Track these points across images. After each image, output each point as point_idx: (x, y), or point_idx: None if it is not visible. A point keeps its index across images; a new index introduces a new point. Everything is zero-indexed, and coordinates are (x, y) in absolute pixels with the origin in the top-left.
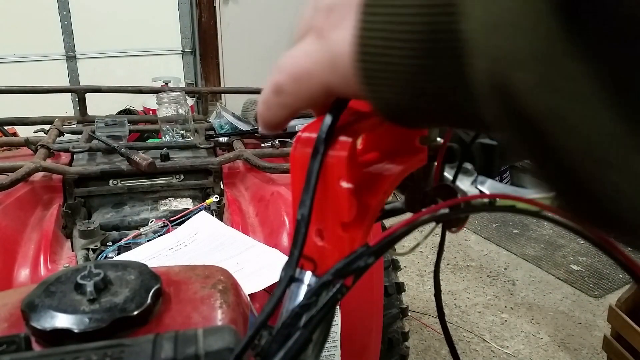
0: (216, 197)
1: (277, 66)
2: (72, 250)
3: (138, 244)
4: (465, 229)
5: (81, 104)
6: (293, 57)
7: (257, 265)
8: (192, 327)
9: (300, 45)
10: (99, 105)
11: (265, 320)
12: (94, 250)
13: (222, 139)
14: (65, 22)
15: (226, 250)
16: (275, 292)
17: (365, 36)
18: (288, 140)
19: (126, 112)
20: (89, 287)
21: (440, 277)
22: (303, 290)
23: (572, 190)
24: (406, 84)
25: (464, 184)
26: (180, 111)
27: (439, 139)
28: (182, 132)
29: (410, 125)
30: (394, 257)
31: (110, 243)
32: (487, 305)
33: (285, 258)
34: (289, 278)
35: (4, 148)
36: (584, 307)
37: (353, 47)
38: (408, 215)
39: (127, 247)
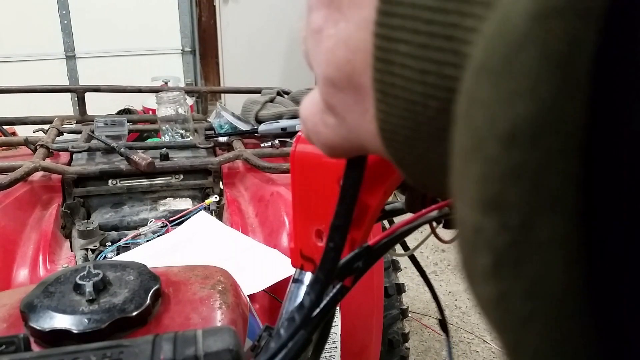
0: (216, 197)
1: (301, 110)
2: (71, 251)
3: (137, 245)
4: None
5: (80, 103)
6: (315, 127)
7: (256, 265)
8: (192, 327)
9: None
10: (99, 105)
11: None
12: (93, 251)
13: (221, 139)
14: (65, 22)
15: (226, 251)
16: None
17: (385, 126)
18: (288, 140)
19: (125, 111)
20: (88, 287)
21: (441, 278)
22: (303, 291)
23: None
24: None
25: None
26: (180, 111)
27: None
28: (181, 131)
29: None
30: (394, 258)
31: (110, 243)
32: None
33: (285, 258)
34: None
35: (3, 148)
36: None
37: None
38: (408, 216)
39: (126, 248)
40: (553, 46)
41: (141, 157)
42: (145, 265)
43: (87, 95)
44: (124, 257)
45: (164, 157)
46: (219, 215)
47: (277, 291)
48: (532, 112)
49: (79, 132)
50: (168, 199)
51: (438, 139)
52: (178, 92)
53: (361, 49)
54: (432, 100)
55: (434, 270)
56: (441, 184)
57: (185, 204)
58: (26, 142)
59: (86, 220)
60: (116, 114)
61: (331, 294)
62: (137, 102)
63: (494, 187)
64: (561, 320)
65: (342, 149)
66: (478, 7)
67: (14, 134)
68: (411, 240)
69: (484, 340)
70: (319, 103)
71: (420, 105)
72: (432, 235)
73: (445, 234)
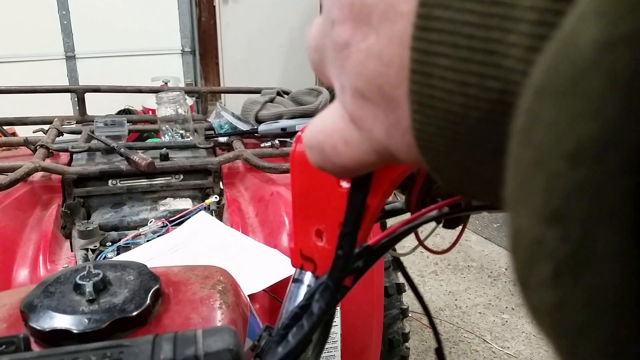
0: (216, 197)
1: (308, 139)
2: (71, 251)
3: (137, 245)
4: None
5: (80, 103)
6: (331, 145)
7: (256, 265)
8: (192, 327)
9: (332, 124)
10: (98, 105)
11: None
12: (93, 251)
13: (221, 139)
14: (65, 22)
15: (226, 251)
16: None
17: (422, 135)
18: (288, 140)
19: (125, 111)
20: (88, 287)
21: (441, 278)
22: (303, 291)
23: None
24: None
25: None
26: (180, 111)
27: None
28: (181, 132)
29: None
30: (394, 258)
31: (110, 243)
32: (488, 306)
33: (285, 258)
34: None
35: (3, 148)
36: None
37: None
38: (408, 215)
39: (126, 248)
40: (619, 71)
41: (141, 157)
42: (145, 265)
43: (87, 95)
44: (124, 257)
45: (164, 157)
46: (219, 215)
47: (277, 291)
48: (596, 132)
49: (79, 133)
50: (168, 199)
51: (477, 146)
52: (178, 93)
53: (394, 63)
54: (473, 110)
55: (434, 270)
56: (476, 189)
57: (185, 204)
58: (26, 143)
59: (86, 220)
60: (116, 114)
61: (331, 294)
62: (137, 102)
63: (557, 201)
64: (618, 326)
65: (366, 164)
66: (523, 24)
67: (14, 134)
68: (412, 240)
69: (484, 340)
70: (339, 120)
71: (460, 115)
72: (432, 235)
73: (445, 234)
